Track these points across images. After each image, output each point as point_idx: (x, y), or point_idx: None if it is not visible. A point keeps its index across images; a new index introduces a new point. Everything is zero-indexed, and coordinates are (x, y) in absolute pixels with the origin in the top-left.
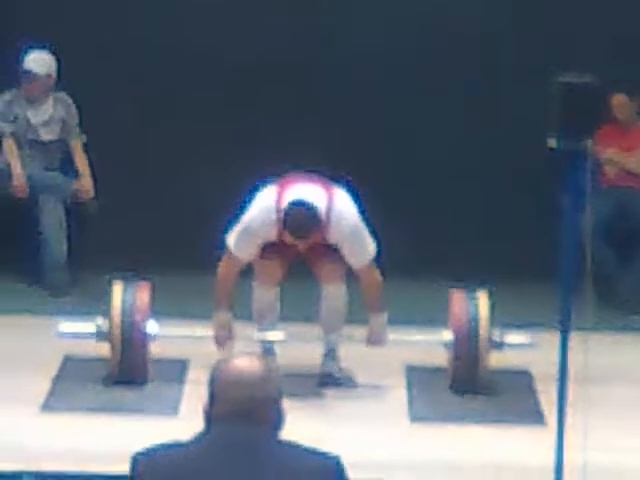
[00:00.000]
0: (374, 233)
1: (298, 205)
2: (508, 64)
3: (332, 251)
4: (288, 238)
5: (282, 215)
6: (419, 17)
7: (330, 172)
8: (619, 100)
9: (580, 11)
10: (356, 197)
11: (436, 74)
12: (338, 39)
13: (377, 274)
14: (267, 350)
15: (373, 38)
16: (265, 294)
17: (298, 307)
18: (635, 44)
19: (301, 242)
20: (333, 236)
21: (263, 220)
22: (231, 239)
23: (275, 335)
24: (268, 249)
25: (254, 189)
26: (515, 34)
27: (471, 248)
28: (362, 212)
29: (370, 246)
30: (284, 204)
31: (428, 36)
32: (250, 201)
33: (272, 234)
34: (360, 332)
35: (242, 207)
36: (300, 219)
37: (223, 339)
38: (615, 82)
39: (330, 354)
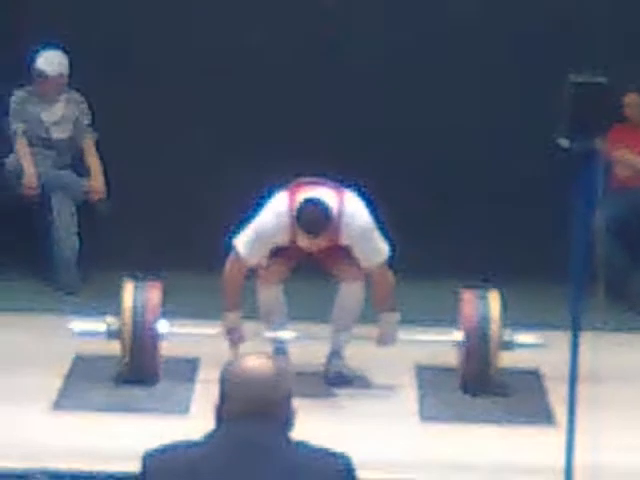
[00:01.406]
0: (386, 234)
1: (311, 202)
2: (518, 63)
3: (347, 252)
4: (300, 241)
5: (294, 218)
6: (423, 15)
7: (340, 175)
8: (632, 99)
9: (593, 9)
10: (367, 200)
11: (445, 75)
12: (341, 44)
13: (389, 275)
14: (279, 349)
15: (374, 41)
16: (269, 293)
17: (308, 306)
18: None
19: (313, 241)
20: (345, 237)
21: (276, 224)
22: (240, 243)
23: (286, 334)
24: (276, 252)
25: (266, 194)
26: (526, 32)
27: (482, 248)
28: (373, 214)
29: (382, 247)
30: (296, 207)
31: (433, 37)
32: (261, 205)
33: (284, 238)
34: (371, 331)
35: (253, 209)
36: (313, 216)
37: (234, 339)
38: (629, 81)
39: (336, 353)
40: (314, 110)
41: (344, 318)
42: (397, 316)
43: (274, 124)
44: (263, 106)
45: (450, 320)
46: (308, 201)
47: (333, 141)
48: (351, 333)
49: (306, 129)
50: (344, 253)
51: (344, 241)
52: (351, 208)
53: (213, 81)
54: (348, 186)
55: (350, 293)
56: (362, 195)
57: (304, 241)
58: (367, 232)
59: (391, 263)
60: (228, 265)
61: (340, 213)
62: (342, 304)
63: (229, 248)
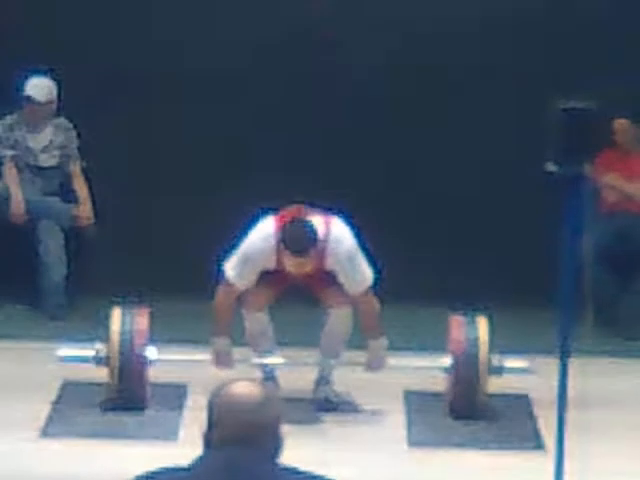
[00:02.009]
0: (372, 260)
1: (296, 222)
2: (508, 87)
3: (333, 278)
4: (287, 263)
5: (281, 240)
6: (418, 43)
7: (327, 201)
8: (621, 125)
9: (584, 35)
10: (354, 227)
11: (435, 101)
12: (335, 69)
13: (374, 301)
14: (268, 375)
15: (371, 57)
16: (255, 320)
17: (296, 332)
18: None
19: (299, 262)
20: (331, 262)
21: (262, 247)
22: (229, 267)
23: (273, 360)
24: (263, 277)
25: (253, 219)
26: (516, 57)
27: (470, 273)
28: (360, 241)
29: (367, 273)
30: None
31: (425, 62)
32: (248, 230)
33: (271, 261)
34: (359, 357)
35: (240, 235)
36: (298, 235)
37: (223, 366)
38: (619, 106)
39: (323, 379)
40: (301, 134)
41: (332, 344)
42: (385, 342)
43: (263, 149)
44: (254, 130)
45: (438, 345)
46: (294, 221)
47: (320, 166)
48: (339, 359)
49: (294, 152)
50: (330, 279)
51: (330, 266)
52: (337, 233)
53: (200, 105)
54: (335, 212)
55: (338, 320)
56: (349, 221)
57: (290, 263)
58: (352, 258)
59: (376, 289)
60: (219, 291)
61: (326, 238)
62: (330, 330)
63: (218, 274)
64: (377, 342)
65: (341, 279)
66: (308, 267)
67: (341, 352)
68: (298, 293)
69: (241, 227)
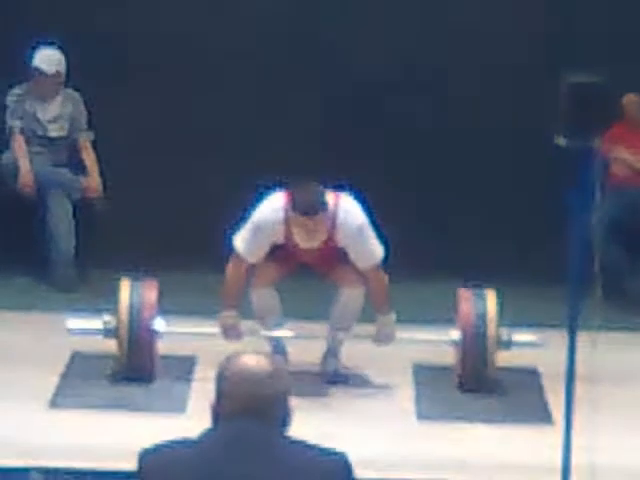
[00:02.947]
0: (382, 235)
1: (305, 183)
2: (516, 62)
3: (343, 256)
4: (296, 234)
5: (291, 202)
6: (421, 15)
7: (336, 176)
8: (630, 99)
9: (593, 8)
10: (363, 202)
11: (441, 74)
12: (338, 41)
13: (384, 276)
14: (277, 348)
15: (373, 41)
16: (262, 296)
17: (305, 305)
18: None
19: (309, 227)
20: (340, 238)
21: (272, 220)
22: (239, 240)
23: (283, 332)
24: (273, 253)
25: (263, 193)
26: (524, 32)
27: (479, 247)
28: (370, 216)
29: (377, 248)
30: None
31: (430, 35)
32: (258, 204)
33: (280, 234)
34: (368, 330)
35: (249, 208)
36: (308, 194)
37: (231, 338)
38: (629, 81)
39: (332, 352)
40: (310, 110)
41: (344, 321)
42: (393, 316)
43: (271, 125)
44: (260, 106)
45: (447, 319)
46: (303, 184)
47: (330, 142)
48: (349, 333)
49: (302, 129)
50: (341, 258)
51: (340, 242)
52: (347, 206)
53: (212, 79)
54: (344, 189)
55: (350, 299)
56: (358, 197)
57: (300, 233)
58: (362, 232)
59: (388, 261)
60: (229, 265)
61: (336, 209)
62: (342, 309)
63: (226, 246)
64: (386, 317)
65: (351, 254)
66: (318, 238)
67: (351, 327)
68: (307, 266)
69: (251, 200)
